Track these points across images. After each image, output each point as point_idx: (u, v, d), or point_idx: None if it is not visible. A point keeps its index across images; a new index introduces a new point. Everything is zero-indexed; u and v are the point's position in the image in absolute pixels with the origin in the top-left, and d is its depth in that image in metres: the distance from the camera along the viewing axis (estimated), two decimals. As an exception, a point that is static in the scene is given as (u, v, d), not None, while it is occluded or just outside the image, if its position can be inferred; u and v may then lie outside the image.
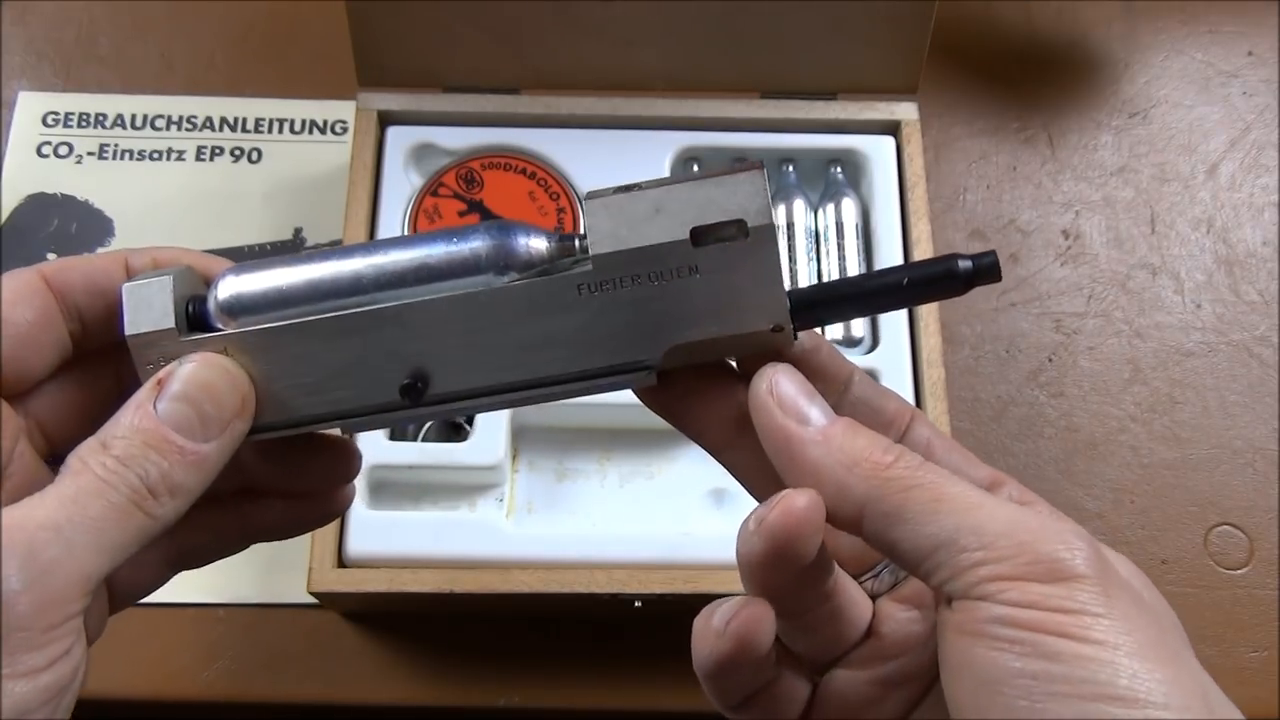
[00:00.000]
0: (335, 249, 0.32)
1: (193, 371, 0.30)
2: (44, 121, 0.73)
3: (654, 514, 0.59)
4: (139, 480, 0.29)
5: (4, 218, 0.70)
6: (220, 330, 0.32)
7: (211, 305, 0.32)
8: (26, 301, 0.31)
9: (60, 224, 0.70)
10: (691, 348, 0.30)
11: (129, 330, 0.31)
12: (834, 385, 0.32)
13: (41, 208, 0.70)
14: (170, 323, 0.31)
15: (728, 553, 0.56)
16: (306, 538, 0.55)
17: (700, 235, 0.29)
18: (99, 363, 0.33)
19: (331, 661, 0.60)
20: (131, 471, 0.29)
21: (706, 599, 0.54)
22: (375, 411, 0.32)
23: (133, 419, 0.30)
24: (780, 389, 0.30)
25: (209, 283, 0.33)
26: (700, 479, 0.60)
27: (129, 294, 0.31)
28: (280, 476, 0.34)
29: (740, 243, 0.29)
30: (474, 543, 0.56)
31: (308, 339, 0.31)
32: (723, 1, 0.62)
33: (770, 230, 0.29)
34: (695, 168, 0.65)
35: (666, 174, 0.65)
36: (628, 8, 0.63)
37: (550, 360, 0.31)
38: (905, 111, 0.66)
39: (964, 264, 0.29)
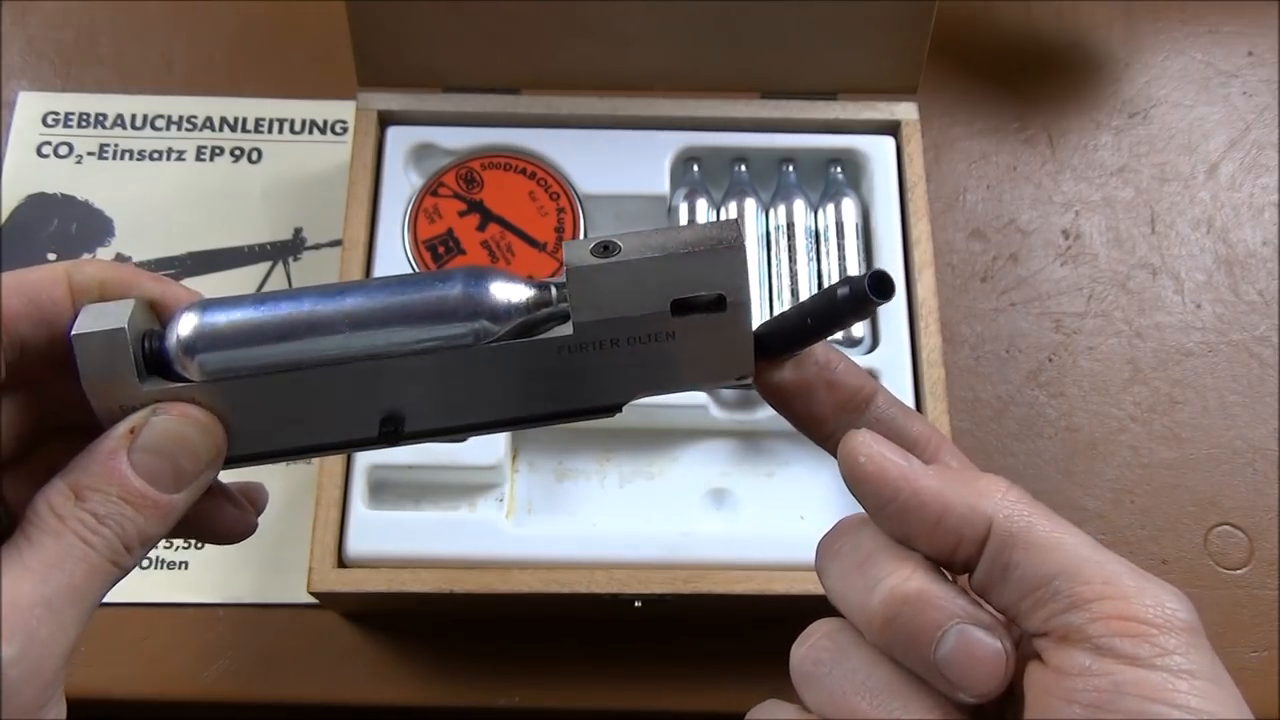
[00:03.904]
0: (305, 288, 0.31)
1: (167, 425, 0.30)
2: (44, 121, 0.73)
3: (654, 514, 0.59)
4: (116, 537, 0.29)
5: (4, 218, 0.70)
6: (183, 375, 0.31)
7: (172, 343, 0.30)
8: None
9: (60, 224, 0.70)
10: (661, 392, 0.32)
11: (86, 382, 0.30)
12: (852, 402, 0.32)
13: (41, 208, 0.70)
14: (130, 374, 0.30)
15: (728, 553, 0.57)
16: (306, 537, 0.55)
17: (680, 307, 0.30)
18: (26, 379, 0.32)
19: (331, 661, 0.60)
20: (110, 530, 0.29)
21: (707, 599, 0.54)
22: (348, 446, 0.32)
23: (106, 469, 0.29)
24: (880, 442, 0.30)
25: (162, 310, 0.32)
26: (700, 479, 0.60)
27: (80, 344, 0.30)
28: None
29: (717, 314, 0.30)
30: (474, 543, 0.56)
31: (278, 391, 0.31)
32: (723, 1, 0.62)
33: (746, 306, 0.30)
34: (695, 168, 0.65)
35: (666, 175, 0.65)
36: (628, 8, 0.62)
37: (525, 404, 0.31)
38: (905, 111, 0.66)
39: (842, 290, 0.29)
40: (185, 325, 0.30)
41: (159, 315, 0.32)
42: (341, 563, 0.55)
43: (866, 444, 0.30)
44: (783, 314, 0.31)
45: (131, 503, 0.29)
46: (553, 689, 0.60)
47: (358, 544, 0.55)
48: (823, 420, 0.32)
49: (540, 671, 0.60)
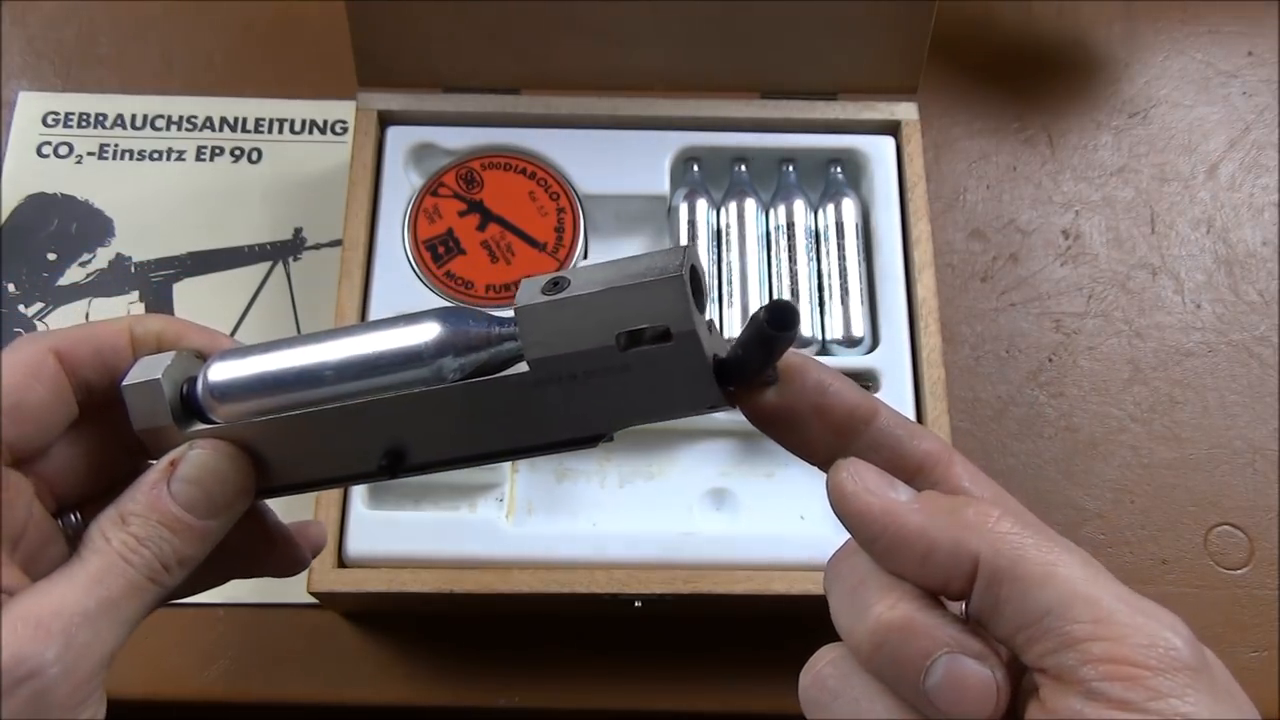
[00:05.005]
0: (307, 335, 0.35)
1: (202, 458, 0.34)
2: (44, 121, 0.73)
3: (654, 514, 0.59)
4: (155, 558, 0.33)
5: (4, 218, 0.70)
6: (214, 421, 0.35)
7: (200, 389, 0.35)
8: (41, 381, 0.34)
9: (60, 224, 0.70)
10: (636, 422, 0.32)
11: (137, 426, 0.35)
12: (847, 425, 0.31)
13: (41, 208, 0.70)
14: (169, 420, 0.35)
15: (728, 553, 0.57)
16: (306, 538, 0.55)
17: (626, 340, 0.30)
18: (98, 420, 0.36)
19: (331, 661, 0.60)
20: (149, 549, 0.33)
21: (706, 599, 0.54)
22: (359, 478, 0.36)
23: (148, 497, 0.33)
24: (865, 476, 0.30)
25: (206, 356, 0.36)
26: (700, 479, 0.60)
27: (129, 394, 0.35)
28: (237, 554, 0.37)
29: (666, 345, 0.30)
30: (474, 543, 0.56)
31: (291, 430, 0.34)
32: (723, 1, 0.62)
33: (692, 336, 0.29)
34: (695, 168, 0.65)
35: (666, 175, 0.65)
36: (628, 8, 0.63)
37: (510, 436, 0.33)
38: (905, 111, 0.66)
39: (756, 319, 0.29)
40: (211, 375, 0.35)
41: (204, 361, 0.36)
42: (341, 563, 0.55)
43: (851, 478, 0.30)
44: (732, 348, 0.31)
45: (169, 526, 0.33)
46: (553, 689, 0.60)
47: (358, 544, 0.56)
48: (813, 446, 0.31)
49: (540, 671, 0.60)
